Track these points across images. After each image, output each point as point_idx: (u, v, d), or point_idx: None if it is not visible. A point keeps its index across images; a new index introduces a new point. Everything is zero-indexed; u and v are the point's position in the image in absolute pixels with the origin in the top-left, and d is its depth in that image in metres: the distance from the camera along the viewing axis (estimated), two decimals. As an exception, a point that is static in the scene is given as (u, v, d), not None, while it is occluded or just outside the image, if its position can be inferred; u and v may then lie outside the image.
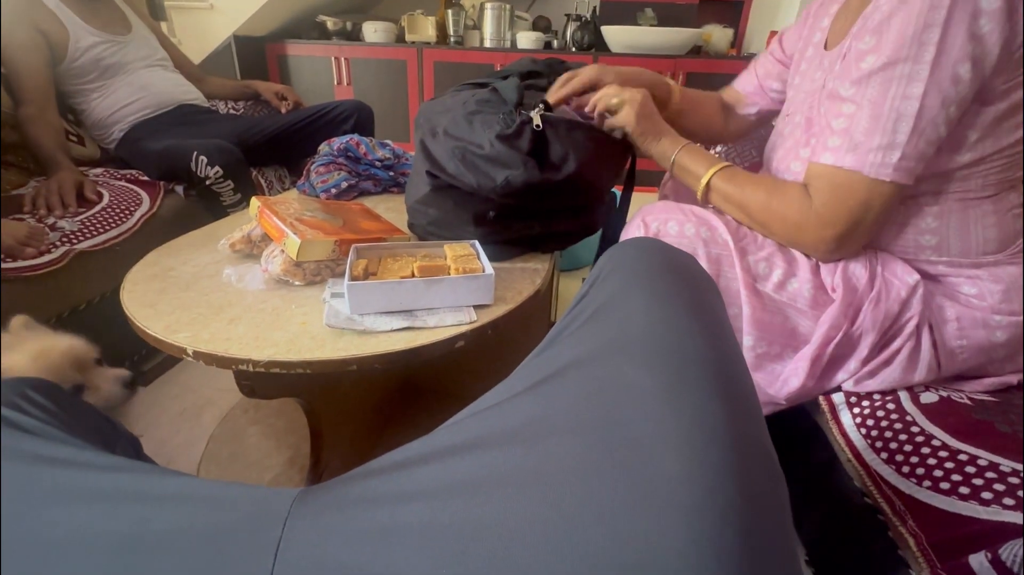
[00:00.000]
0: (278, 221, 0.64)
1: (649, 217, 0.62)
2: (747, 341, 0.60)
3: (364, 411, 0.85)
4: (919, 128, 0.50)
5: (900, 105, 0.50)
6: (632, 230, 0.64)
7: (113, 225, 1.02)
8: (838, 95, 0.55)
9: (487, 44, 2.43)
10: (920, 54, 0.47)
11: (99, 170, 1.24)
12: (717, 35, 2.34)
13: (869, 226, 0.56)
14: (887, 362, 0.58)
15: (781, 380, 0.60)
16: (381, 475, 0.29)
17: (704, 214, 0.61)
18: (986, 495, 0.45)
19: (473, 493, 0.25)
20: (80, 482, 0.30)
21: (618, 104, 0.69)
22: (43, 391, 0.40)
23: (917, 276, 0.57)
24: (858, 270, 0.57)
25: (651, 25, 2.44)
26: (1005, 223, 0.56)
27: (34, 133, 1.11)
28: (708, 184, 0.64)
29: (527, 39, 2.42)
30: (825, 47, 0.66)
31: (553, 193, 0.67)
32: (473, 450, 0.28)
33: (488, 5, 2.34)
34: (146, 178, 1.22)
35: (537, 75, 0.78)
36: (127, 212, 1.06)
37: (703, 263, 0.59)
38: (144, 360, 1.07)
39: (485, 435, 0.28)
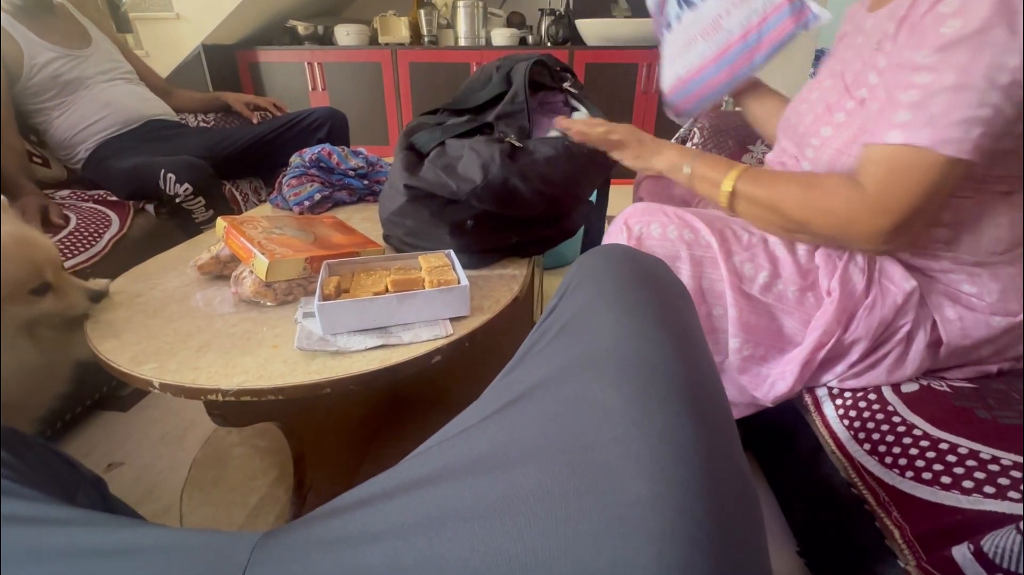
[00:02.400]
0: (245, 241, 0.63)
1: (632, 220, 0.60)
2: (733, 343, 0.59)
3: (349, 426, 0.84)
4: (1003, 102, 0.45)
5: (993, 75, 0.44)
6: (614, 232, 0.63)
7: (82, 249, 0.99)
8: (912, 63, 0.48)
9: (462, 42, 2.40)
10: (1014, 20, 0.43)
11: (66, 192, 1.21)
12: (692, 23, 2.33)
13: (932, 213, 0.50)
14: (873, 366, 0.58)
15: (768, 383, 0.60)
16: (345, 514, 0.28)
17: (686, 216, 0.60)
18: (967, 484, 0.45)
19: (438, 530, 0.24)
20: (32, 540, 0.29)
21: (611, 145, 0.68)
22: (2, 441, 0.38)
23: (914, 283, 0.55)
24: (856, 274, 0.56)
25: (625, 16, 2.43)
26: (1015, 224, 0.54)
27: (-6, 158, 1.08)
28: (733, 190, 0.58)
29: (501, 36, 2.40)
30: (868, 8, 0.60)
31: (530, 205, 0.67)
32: (438, 483, 0.27)
33: (461, 3, 2.31)
34: (115, 198, 1.19)
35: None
36: (96, 235, 1.03)
37: (686, 265, 0.57)
38: (122, 385, 1.05)
39: (451, 465, 0.27)
